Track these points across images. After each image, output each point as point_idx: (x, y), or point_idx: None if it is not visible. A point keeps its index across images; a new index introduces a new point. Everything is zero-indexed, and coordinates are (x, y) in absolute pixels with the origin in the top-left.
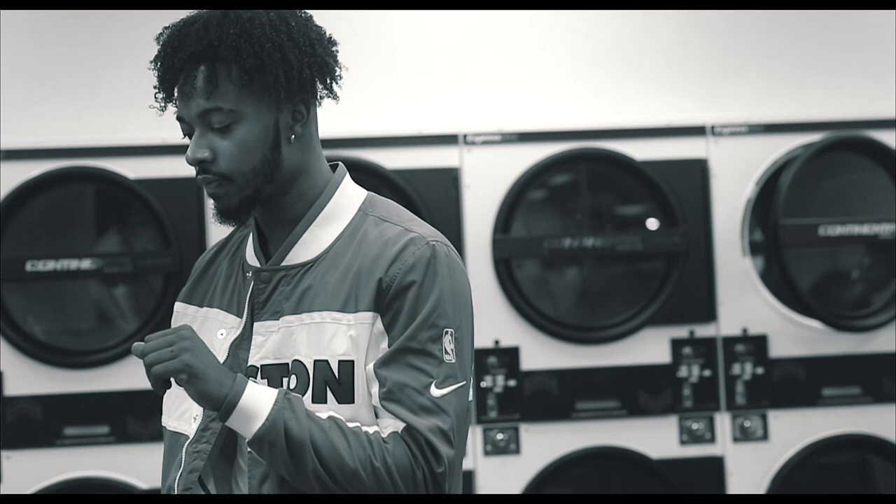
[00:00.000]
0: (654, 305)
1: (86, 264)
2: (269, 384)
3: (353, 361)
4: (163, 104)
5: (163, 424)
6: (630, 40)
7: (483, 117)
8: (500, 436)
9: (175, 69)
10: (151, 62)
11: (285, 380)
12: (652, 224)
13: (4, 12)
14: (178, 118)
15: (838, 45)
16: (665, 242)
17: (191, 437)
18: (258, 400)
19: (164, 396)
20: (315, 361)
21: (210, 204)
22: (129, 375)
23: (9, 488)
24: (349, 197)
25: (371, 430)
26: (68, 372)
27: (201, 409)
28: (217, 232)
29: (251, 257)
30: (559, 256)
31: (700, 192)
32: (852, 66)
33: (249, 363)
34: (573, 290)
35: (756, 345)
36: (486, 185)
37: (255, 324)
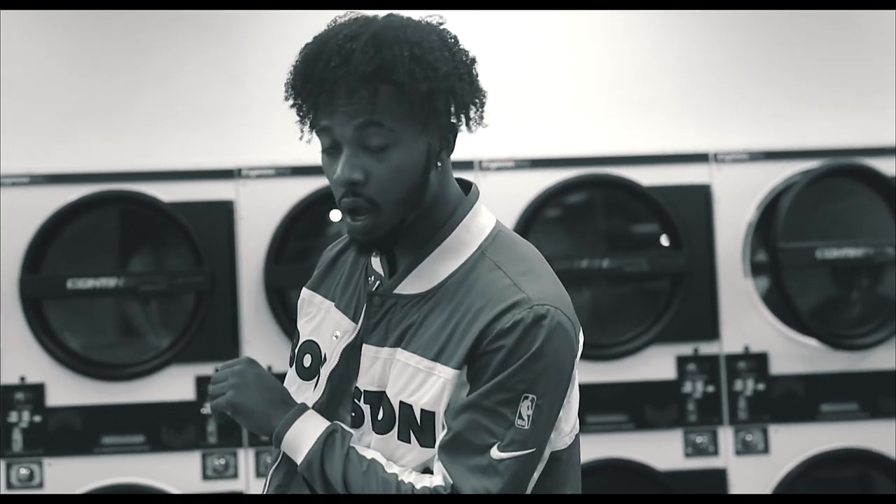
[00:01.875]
0: (659, 324)
1: (122, 282)
2: (372, 411)
3: (434, 413)
4: (307, 121)
5: None
6: (638, 72)
7: (497, 144)
8: None
9: (335, 83)
10: (294, 74)
11: (380, 410)
12: (664, 241)
13: (45, 43)
14: (324, 129)
15: (837, 76)
16: (670, 264)
17: None
18: (302, 437)
19: (286, 383)
20: (401, 403)
21: (237, 227)
22: (162, 388)
23: (51, 493)
24: (473, 232)
25: (408, 479)
26: (106, 384)
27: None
28: (248, 251)
29: (376, 262)
30: (569, 277)
31: (703, 216)
32: (850, 95)
33: (356, 385)
34: (582, 308)
35: (757, 362)
36: (500, 208)
37: (364, 346)
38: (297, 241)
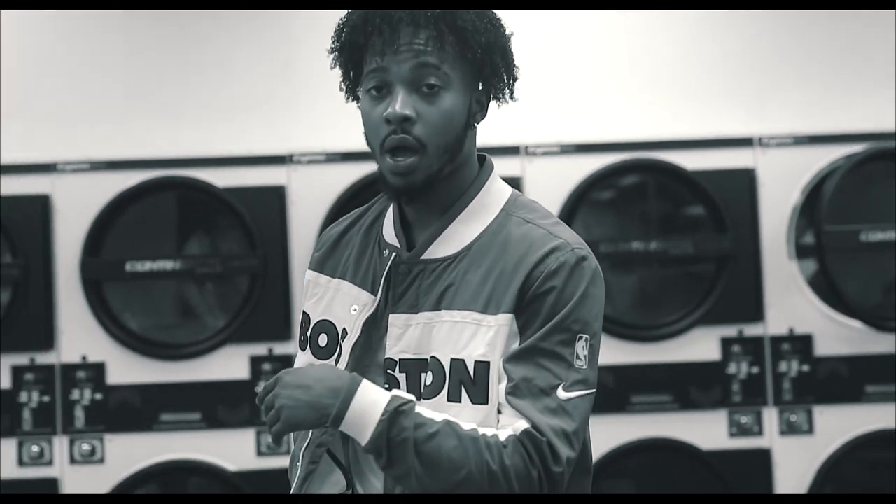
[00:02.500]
0: (704, 306)
1: (179, 265)
2: (408, 379)
3: (489, 362)
4: (351, 70)
5: None
6: (683, 56)
7: (543, 130)
8: None
9: (400, 21)
10: (348, 19)
11: (423, 375)
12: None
13: (104, 37)
14: (375, 70)
15: (881, 59)
16: (715, 246)
17: None
18: (363, 417)
19: (296, 361)
20: (452, 360)
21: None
22: (218, 366)
23: (112, 468)
24: (494, 195)
25: (489, 432)
26: (164, 363)
27: None
28: (299, 235)
29: (390, 235)
30: (615, 260)
31: (748, 200)
32: (892, 78)
33: (387, 356)
34: (628, 290)
35: (802, 344)
36: (546, 192)
37: (391, 315)
38: None
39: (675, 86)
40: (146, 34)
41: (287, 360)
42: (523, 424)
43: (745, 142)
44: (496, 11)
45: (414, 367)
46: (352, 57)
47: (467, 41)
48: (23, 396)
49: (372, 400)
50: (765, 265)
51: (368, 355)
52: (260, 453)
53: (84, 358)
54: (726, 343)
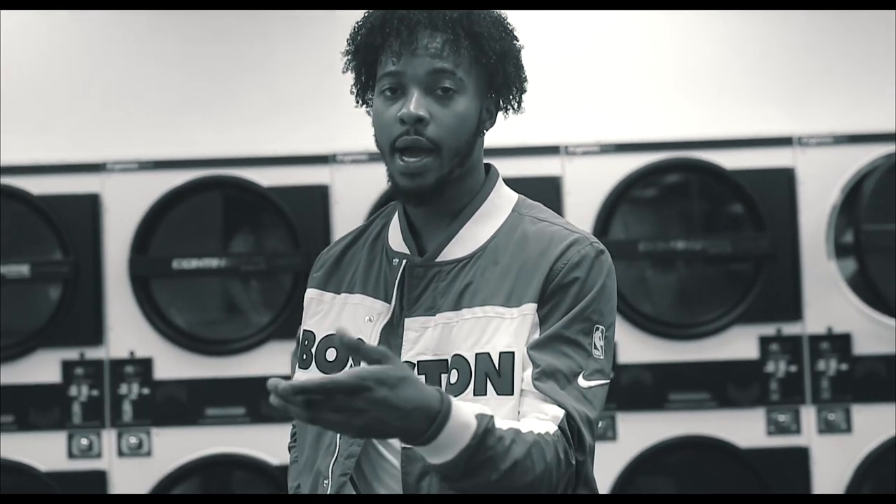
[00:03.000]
0: (743, 305)
1: (224, 263)
2: (427, 380)
3: (513, 353)
4: (363, 73)
5: None
6: (721, 55)
7: (583, 129)
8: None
9: (418, 24)
10: (365, 21)
11: (444, 376)
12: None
13: (153, 40)
14: (390, 73)
15: None
16: (753, 246)
17: None
18: (452, 440)
19: (297, 376)
20: (477, 354)
21: (336, 198)
22: (263, 362)
23: (158, 461)
24: (503, 197)
25: (542, 428)
26: (210, 359)
27: None
28: (342, 234)
29: (397, 244)
30: (654, 258)
31: (787, 199)
32: None
33: (404, 359)
34: (668, 289)
35: (840, 342)
36: (586, 192)
37: (407, 319)
38: None
39: (715, 85)
40: (193, 36)
41: None
42: (560, 412)
43: (784, 141)
44: (522, 13)
45: (433, 369)
46: (366, 59)
47: (483, 48)
48: (73, 390)
49: (463, 423)
50: (803, 264)
51: None
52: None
53: (132, 353)
54: (765, 341)
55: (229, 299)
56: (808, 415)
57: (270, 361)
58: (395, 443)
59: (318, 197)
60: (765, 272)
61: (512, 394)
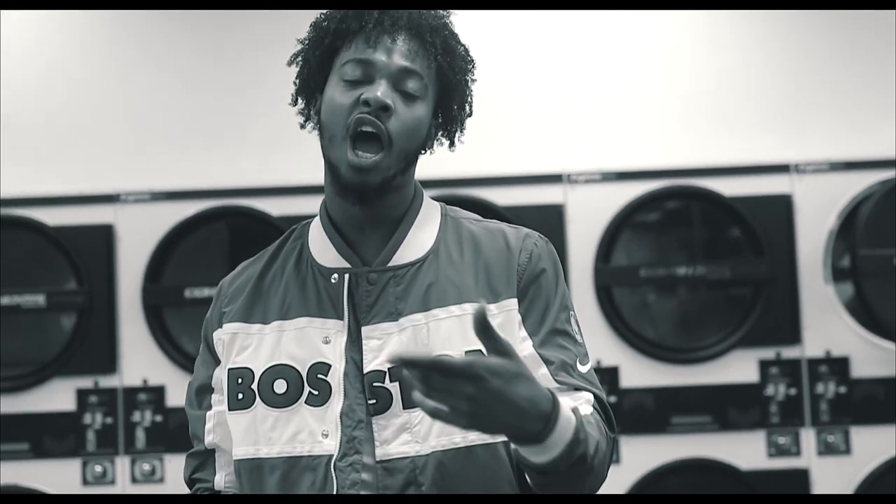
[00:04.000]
0: (743, 329)
1: None
2: (401, 385)
3: None
4: (327, 60)
5: (236, 457)
6: (719, 85)
7: (584, 158)
8: None
9: (399, 19)
10: (338, 13)
11: None
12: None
13: (165, 71)
14: (361, 61)
15: None
16: (752, 271)
17: (332, 454)
18: (558, 437)
19: (232, 423)
20: (467, 353)
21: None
22: None
23: (170, 488)
24: (431, 205)
25: (588, 411)
26: None
27: (330, 422)
28: None
29: (330, 260)
30: (655, 284)
31: (785, 225)
32: None
33: (370, 368)
34: (670, 314)
35: (839, 366)
36: (588, 219)
37: (364, 328)
38: None
39: (713, 114)
40: (203, 67)
41: None
42: (591, 396)
43: (781, 168)
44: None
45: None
46: (332, 44)
47: (452, 67)
48: (87, 418)
49: (566, 418)
50: (802, 289)
51: (358, 378)
52: None
53: (145, 381)
54: (764, 365)
55: None
56: (808, 437)
57: None
58: (367, 459)
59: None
60: (764, 297)
61: None
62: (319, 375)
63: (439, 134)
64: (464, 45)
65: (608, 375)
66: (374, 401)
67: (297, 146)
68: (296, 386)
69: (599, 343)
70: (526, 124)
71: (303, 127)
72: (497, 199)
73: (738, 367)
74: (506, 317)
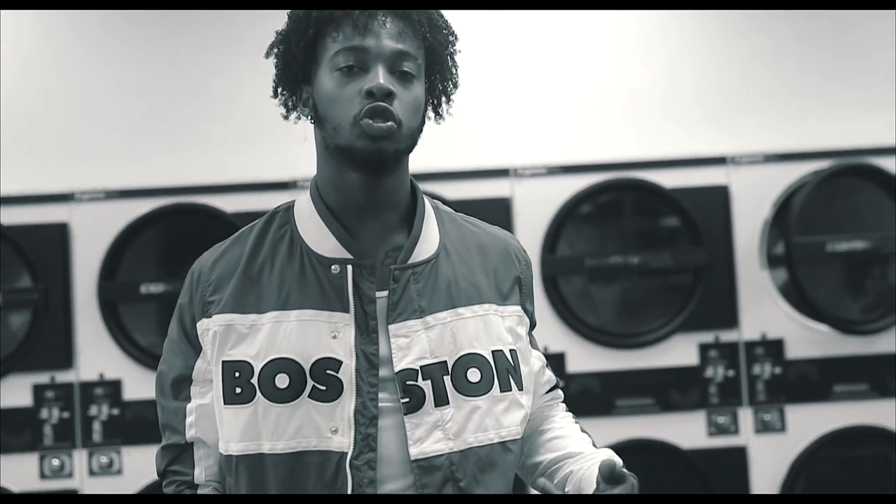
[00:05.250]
0: (683, 314)
1: None
2: (433, 384)
3: (517, 350)
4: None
5: (231, 453)
6: (659, 81)
7: (530, 153)
8: None
9: (368, 12)
10: (300, 21)
11: (446, 378)
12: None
13: (117, 70)
14: (353, 48)
15: (844, 80)
16: (692, 259)
17: (344, 451)
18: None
19: (228, 417)
20: (493, 352)
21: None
22: None
23: (128, 479)
24: (425, 198)
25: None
26: None
27: (342, 419)
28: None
29: (329, 250)
30: (600, 272)
31: (722, 215)
32: (855, 99)
33: (402, 367)
34: (612, 301)
35: (774, 348)
36: (534, 212)
37: (392, 326)
38: None
39: (653, 109)
40: (156, 66)
41: None
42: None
43: (718, 160)
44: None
45: (437, 371)
46: (318, 32)
47: (439, 40)
48: (44, 413)
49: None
50: (738, 275)
51: (371, 374)
52: None
53: (101, 375)
54: (704, 348)
55: None
56: (746, 416)
57: None
58: (399, 455)
59: None
60: (702, 283)
61: (523, 389)
62: (329, 371)
63: (428, 108)
64: (445, 19)
65: (556, 361)
66: (407, 399)
67: (250, 144)
68: (298, 380)
69: (547, 330)
70: (474, 121)
71: (286, 118)
72: (447, 193)
73: (679, 351)
74: (515, 320)
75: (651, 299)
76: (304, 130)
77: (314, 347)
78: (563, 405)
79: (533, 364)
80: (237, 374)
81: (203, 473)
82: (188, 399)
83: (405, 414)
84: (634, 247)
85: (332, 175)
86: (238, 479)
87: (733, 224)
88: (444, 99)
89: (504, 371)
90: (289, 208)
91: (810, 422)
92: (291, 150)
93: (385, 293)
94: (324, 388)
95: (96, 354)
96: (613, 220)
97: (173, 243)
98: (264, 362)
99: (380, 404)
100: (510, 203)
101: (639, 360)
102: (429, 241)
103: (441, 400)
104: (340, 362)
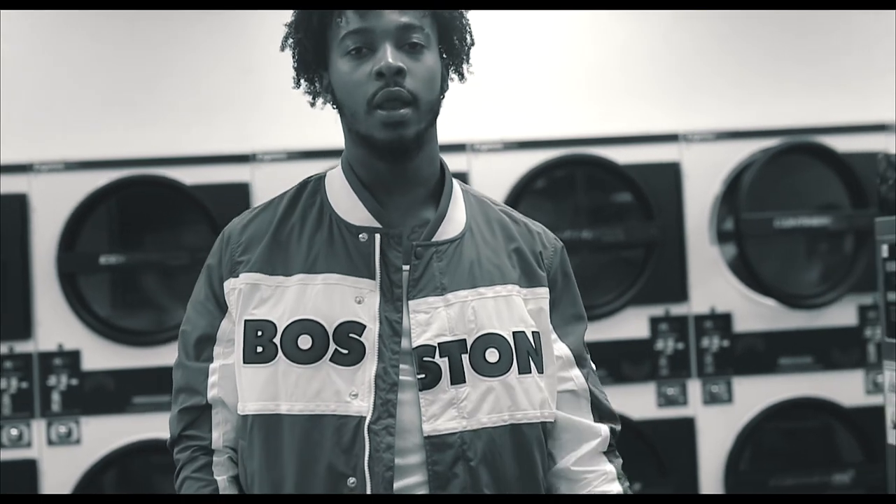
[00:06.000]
0: (634, 288)
1: (149, 257)
2: (450, 361)
3: (539, 332)
4: (322, 38)
5: (247, 412)
6: (613, 60)
7: (487, 128)
8: None
9: None
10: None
11: (464, 356)
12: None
13: (76, 41)
14: (358, 30)
15: (793, 62)
16: (643, 234)
17: (363, 416)
18: None
19: (247, 376)
20: (514, 333)
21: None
22: None
23: (87, 449)
24: (453, 179)
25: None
26: (136, 349)
27: (362, 383)
28: None
29: (359, 219)
30: None
31: (674, 191)
32: (804, 80)
33: (420, 343)
34: None
35: (722, 321)
36: (491, 187)
37: (411, 301)
38: None
39: (608, 86)
40: (116, 38)
41: None
42: (607, 431)
43: (670, 137)
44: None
45: (455, 349)
46: (322, 19)
47: (444, 11)
48: (2, 383)
49: None
50: (689, 250)
51: (394, 341)
52: None
53: (60, 346)
54: (654, 322)
55: (148, 293)
56: (694, 388)
57: None
58: (413, 435)
59: (240, 194)
60: (654, 258)
61: (544, 372)
62: (352, 335)
63: (449, 72)
64: None
65: None
66: (423, 375)
67: (208, 117)
68: (321, 342)
69: None
70: None
71: (312, 105)
72: None
73: (631, 324)
74: (539, 303)
75: (603, 273)
76: (263, 106)
77: (339, 310)
78: (611, 468)
79: (554, 350)
80: (259, 333)
81: (220, 439)
82: (210, 359)
83: (420, 390)
84: (587, 221)
85: (359, 155)
86: (252, 442)
87: (684, 200)
88: (464, 58)
89: (524, 353)
90: (320, 178)
91: (757, 394)
92: (251, 123)
93: (408, 267)
94: (346, 351)
95: (55, 325)
96: (567, 196)
97: (132, 215)
98: (288, 322)
99: (400, 376)
100: (467, 178)
101: (591, 333)
102: (455, 220)
103: (458, 378)
104: (364, 326)
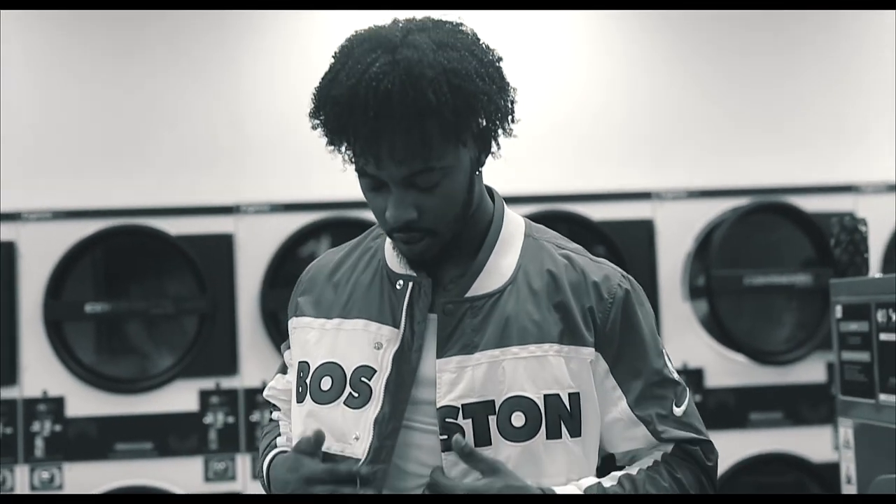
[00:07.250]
0: None
1: (134, 306)
2: (474, 424)
3: (579, 393)
4: (351, 160)
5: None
6: (588, 120)
7: None
8: None
9: (379, 134)
10: (327, 116)
11: (491, 418)
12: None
13: (67, 91)
14: (366, 175)
15: (761, 125)
16: None
17: (360, 458)
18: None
19: (294, 413)
20: (546, 396)
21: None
22: (169, 400)
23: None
24: (514, 222)
25: (664, 470)
26: (119, 396)
27: (364, 427)
28: (245, 278)
29: (401, 267)
30: None
31: (647, 247)
32: (774, 141)
33: (445, 403)
34: None
35: (694, 376)
36: None
37: (439, 361)
38: (294, 267)
39: (584, 146)
40: (105, 91)
41: (234, 394)
42: (666, 447)
43: (644, 195)
44: (472, 32)
45: (480, 411)
46: (334, 128)
47: (452, 127)
48: None
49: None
50: (662, 306)
51: (402, 391)
52: (207, 479)
53: (45, 392)
54: None
55: (132, 341)
56: None
57: (176, 399)
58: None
59: (224, 245)
60: None
61: (581, 435)
62: (363, 379)
63: (481, 155)
64: (475, 56)
65: None
66: (445, 436)
67: (194, 168)
68: (339, 385)
69: None
70: None
71: (345, 170)
72: None
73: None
74: (581, 364)
75: None
76: (247, 159)
77: (358, 355)
78: (649, 461)
79: (613, 413)
80: (301, 374)
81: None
82: (283, 373)
83: (443, 451)
84: None
85: None
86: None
87: (657, 256)
88: (496, 134)
89: (555, 417)
90: None
91: (728, 448)
92: (236, 175)
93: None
94: (357, 395)
95: (40, 371)
96: None
97: (118, 264)
98: (318, 365)
99: (421, 425)
100: None
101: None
102: (499, 270)
103: (483, 440)
104: (374, 371)
